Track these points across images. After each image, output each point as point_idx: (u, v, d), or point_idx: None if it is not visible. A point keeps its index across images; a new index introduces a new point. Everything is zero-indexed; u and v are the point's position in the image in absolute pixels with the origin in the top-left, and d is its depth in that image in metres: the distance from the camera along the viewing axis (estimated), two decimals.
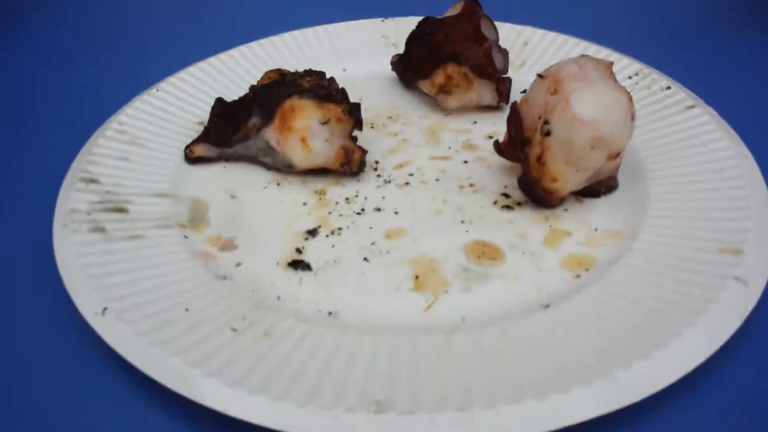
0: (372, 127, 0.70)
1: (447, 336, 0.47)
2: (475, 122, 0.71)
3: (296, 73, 0.65)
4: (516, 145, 0.60)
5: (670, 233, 0.54)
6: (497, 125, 0.70)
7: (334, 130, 0.61)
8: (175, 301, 0.49)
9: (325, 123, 0.61)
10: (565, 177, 0.57)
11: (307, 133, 0.60)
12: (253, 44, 0.81)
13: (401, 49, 0.77)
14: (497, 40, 0.71)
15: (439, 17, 0.72)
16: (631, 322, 0.46)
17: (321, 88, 0.64)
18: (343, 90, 0.64)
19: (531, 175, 0.58)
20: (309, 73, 0.67)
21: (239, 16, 1.01)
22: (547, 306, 0.49)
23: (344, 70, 0.80)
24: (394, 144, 0.68)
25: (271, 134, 0.62)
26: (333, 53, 0.82)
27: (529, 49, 0.80)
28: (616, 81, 0.57)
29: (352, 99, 0.68)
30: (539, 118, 0.57)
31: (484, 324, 0.48)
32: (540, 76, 0.59)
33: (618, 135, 0.55)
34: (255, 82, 0.72)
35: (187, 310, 0.48)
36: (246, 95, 0.66)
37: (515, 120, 0.59)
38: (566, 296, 0.50)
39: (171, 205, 0.60)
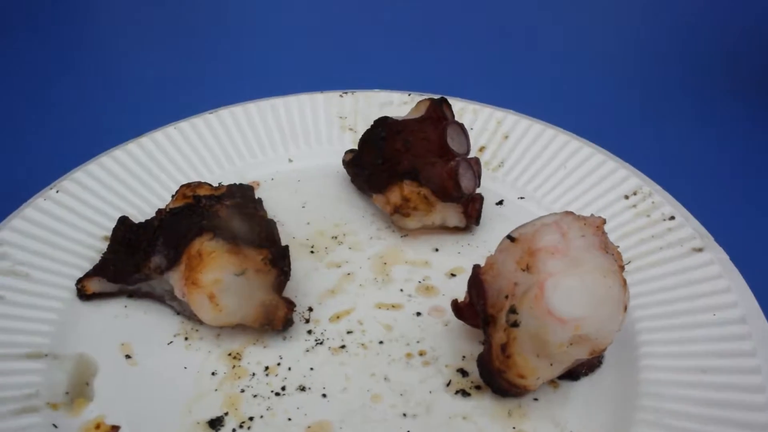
0: (312, 252, 0.57)
1: None
2: (437, 250, 0.58)
3: (212, 197, 0.52)
4: (478, 314, 0.47)
5: None
6: (463, 254, 0.58)
7: (253, 283, 0.49)
8: None
9: (240, 274, 0.48)
10: (536, 373, 0.44)
11: (217, 288, 0.47)
12: (183, 123, 0.67)
13: (360, 134, 0.63)
14: (467, 151, 0.58)
15: (399, 118, 0.59)
16: None
17: (242, 220, 0.50)
18: (269, 224, 0.51)
19: (493, 365, 0.45)
20: (231, 192, 0.54)
21: (167, 90, 0.85)
22: None
23: (290, 160, 0.67)
24: (334, 281, 0.55)
25: (176, 281, 0.49)
26: (279, 136, 0.69)
27: (509, 145, 0.67)
28: (607, 247, 0.45)
29: (294, 206, 0.60)
30: (506, 297, 0.45)
31: None
32: (511, 238, 0.46)
33: (604, 332, 0.43)
34: (179, 178, 0.63)
35: None
36: (152, 220, 0.53)
37: (477, 290, 0.46)
38: None
39: (46, 371, 0.49)
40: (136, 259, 0.52)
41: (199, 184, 0.56)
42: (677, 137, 0.75)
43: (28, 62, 0.90)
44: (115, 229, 0.55)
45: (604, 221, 0.47)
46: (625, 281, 0.44)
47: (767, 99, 0.81)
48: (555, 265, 0.43)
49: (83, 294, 0.53)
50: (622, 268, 0.45)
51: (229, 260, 0.49)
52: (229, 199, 0.53)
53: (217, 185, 0.57)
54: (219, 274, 0.48)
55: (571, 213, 0.47)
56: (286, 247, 0.51)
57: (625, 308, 0.44)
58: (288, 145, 0.69)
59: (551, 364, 0.45)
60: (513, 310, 0.44)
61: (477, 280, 0.47)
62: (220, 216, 0.51)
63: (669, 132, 0.76)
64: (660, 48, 0.94)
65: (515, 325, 0.44)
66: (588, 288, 0.42)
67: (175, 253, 0.50)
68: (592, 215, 0.47)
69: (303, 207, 0.63)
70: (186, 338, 0.52)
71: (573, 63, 0.91)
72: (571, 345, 0.43)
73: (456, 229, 0.60)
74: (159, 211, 0.54)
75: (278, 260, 0.49)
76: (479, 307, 0.47)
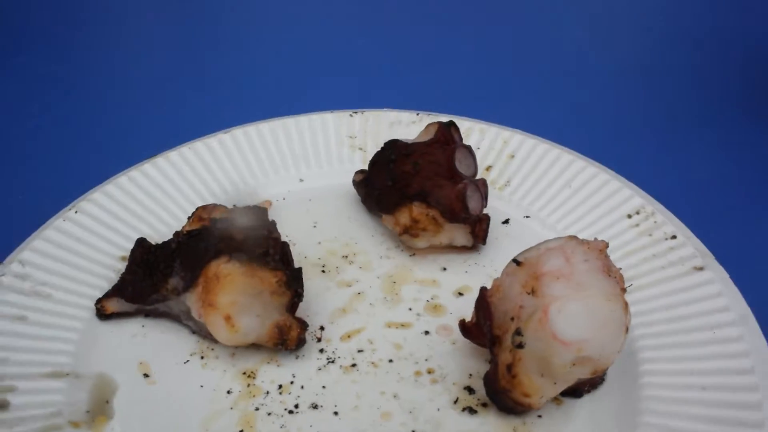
0: (323, 272, 0.59)
1: None
2: (445, 269, 0.60)
3: (228, 220, 0.54)
4: (484, 334, 0.49)
5: None
6: (470, 273, 0.59)
7: (267, 304, 0.50)
8: None
9: (256, 296, 0.49)
10: (540, 392, 0.46)
11: (234, 309, 0.49)
12: (198, 143, 0.69)
13: (370, 154, 0.65)
14: (475, 173, 0.59)
15: (408, 141, 0.60)
16: None
17: (257, 243, 0.52)
18: (283, 246, 0.53)
19: (499, 384, 0.47)
20: (246, 215, 0.55)
21: (181, 110, 0.88)
22: None
23: (301, 180, 0.69)
24: (345, 300, 0.57)
25: (193, 302, 0.51)
26: (290, 155, 0.71)
27: (515, 165, 0.68)
28: (610, 270, 0.46)
29: (305, 225, 0.62)
30: (512, 319, 0.46)
31: None
32: (516, 262, 0.47)
33: (607, 353, 0.45)
34: (194, 198, 0.66)
35: None
36: (169, 242, 0.55)
37: (484, 312, 0.48)
38: None
39: (67, 390, 0.50)
40: (154, 280, 0.54)
41: (215, 207, 0.58)
42: (680, 156, 0.77)
43: (44, 83, 0.92)
44: (133, 251, 0.56)
45: (606, 245, 0.48)
46: (626, 304, 0.45)
47: None
48: (559, 289, 0.45)
49: (102, 314, 0.55)
50: (624, 290, 0.47)
51: (245, 282, 0.50)
52: (244, 222, 0.55)
53: (232, 207, 0.58)
54: (235, 296, 0.50)
55: (575, 237, 0.48)
56: (300, 269, 0.52)
57: (627, 330, 0.45)
58: (299, 164, 0.71)
59: (555, 383, 0.46)
60: (518, 332, 0.45)
61: (484, 302, 0.49)
62: (235, 238, 0.53)
63: (672, 150, 0.78)
64: (664, 67, 0.96)
65: (520, 346, 0.45)
66: (591, 311, 0.44)
67: (192, 275, 0.52)
68: (595, 239, 0.48)
69: (314, 227, 0.64)
70: (202, 357, 0.53)
71: (578, 82, 0.92)
72: (574, 365, 0.45)
73: (463, 248, 0.61)
74: (176, 234, 0.56)
75: (292, 282, 0.51)
76: (486, 328, 0.49)
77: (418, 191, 0.58)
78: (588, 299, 0.44)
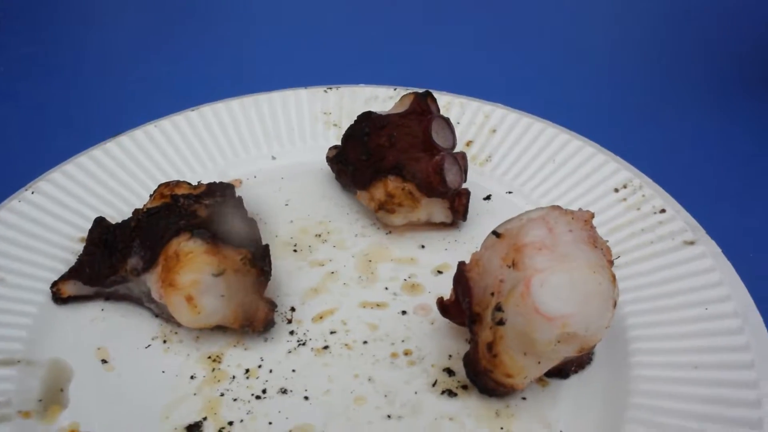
0: (295, 251, 0.56)
1: None
2: (423, 246, 0.57)
3: (191, 196, 0.50)
4: (463, 313, 0.46)
5: None
6: (450, 251, 0.56)
7: (231, 284, 0.47)
8: None
9: (219, 275, 0.46)
10: (523, 372, 0.43)
11: (195, 289, 0.46)
12: (164, 121, 0.66)
13: (344, 130, 0.62)
14: (453, 145, 0.56)
15: (383, 113, 0.57)
16: None
17: (221, 220, 0.49)
18: (249, 222, 0.50)
19: (480, 364, 0.44)
20: (211, 191, 0.52)
21: (147, 88, 0.84)
22: None
23: (273, 158, 0.66)
24: (317, 280, 0.54)
25: (153, 283, 0.48)
26: (262, 133, 0.67)
27: (497, 139, 0.65)
28: (596, 242, 0.43)
29: (277, 204, 0.59)
30: (492, 294, 0.43)
31: None
32: (496, 234, 0.44)
33: (593, 329, 0.41)
34: (160, 178, 0.62)
35: None
36: (128, 221, 0.51)
37: (462, 288, 0.45)
38: None
39: (18, 378, 0.47)
40: (113, 261, 0.51)
41: (178, 183, 0.54)
42: (667, 130, 0.74)
43: (2, 59, 0.88)
44: (91, 230, 0.53)
45: (592, 215, 0.45)
46: (614, 276, 0.42)
47: (758, 90, 0.80)
48: (542, 261, 0.42)
49: (58, 297, 0.52)
50: (611, 263, 0.44)
51: (207, 260, 0.47)
52: (209, 198, 0.52)
53: (197, 184, 0.55)
54: (197, 274, 0.47)
55: (558, 207, 0.45)
56: (267, 246, 0.49)
57: (615, 304, 0.42)
58: (271, 142, 0.68)
59: (539, 363, 0.43)
60: (499, 308, 0.42)
61: (462, 277, 0.46)
62: (198, 215, 0.50)
63: (659, 124, 0.75)
64: (647, 40, 0.93)
65: (501, 323, 0.42)
66: (576, 284, 0.41)
67: (152, 254, 0.49)
68: (579, 209, 0.45)
69: (286, 205, 0.61)
70: (164, 341, 0.50)
71: (561, 56, 0.90)
72: (559, 343, 0.42)
73: (442, 225, 0.58)
74: (136, 211, 0.52)
75: (258, 260, 0.48)
76: (465, 306, 0.46)
77: (394, 165, 0.55)
78: (573, 271, 0.41)
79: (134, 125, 0.65)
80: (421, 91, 0.58)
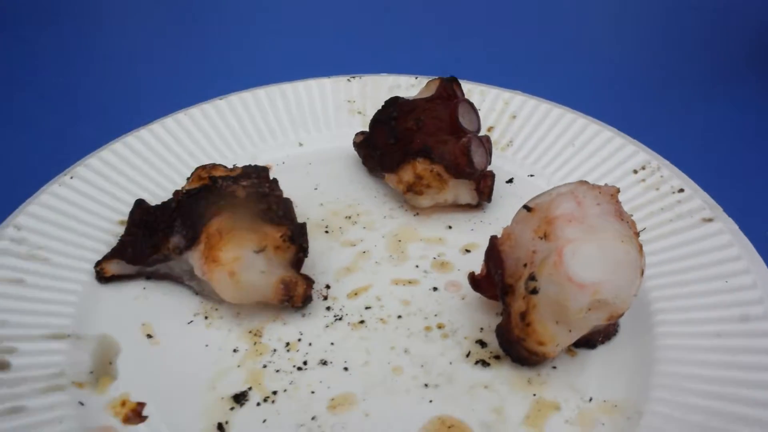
0: (326, 232, 0.58)
1: None
2: (450, 227, 0.59)
3: (228, 178, 0.52)
4: (495, 285, 0.48)
5: (678, 415, 0.44)
6: (476, 231, 0.58)
7: (272, 260, 0.49)
8: None
9: (260, 251, 0.48)
10: (555, 340, 0.45)
11: (238, 265, 0.48)
12: (194, 109, 0.68)
13: (369, 117, 0.64)
14: (478, 129, 0.58)
15: (410, 98, 0.59)
16: None
17: (259, 200, 0.51)
18: (286, 202, 0.52)
19: (512, 333, 0.46)
20: (247, 173, 0.54)
21: (178, 77, 0.86)
22: None
23: (300, 144, 0.68)
24: (350, 259, 0.56)
25: (195, 260, 0.50)
26: (288, 121, 0.69)
27: (517, 125, 0.67)
28: (622, 215, 0.45)
29: (306, 188, 0.61)
30: (524, 266, 0.45)
31: None
32: (527, 208, 0.46)
33: (623, 296, 0.43)
34: (191, 164, 0.63)
35: None
36: (169, 202, 0.53)
37: (495, 261, 0.47)
38: None
39: (69, 351, 0.49)
40: (154, 240, 0.52)
41: (214, 166, 0.56)
42: (683, 112, 0.76)
43: (42, 50, 0.91)
44: (131, 212, 0.55)
45: (617, 190, 0.48)
46: (641, 247, 0.44)
47: None
48: (573, 231, 0.44)
49: (102, 276, 0.54)
50: (637, 234, 0.46)
51: (249, 237, 0.49)
52: (245, 180, 0.54)
53: (232, 167, 0.57)
54: (239, 251, 0.49)
55: (586, 182, 0.47)
56: (304, 224, 0.51)
57: (642, 273, 0.44)
58: (298, 129, 0.69)
59: (570, 331, 0.45)
60: (532, 278, 0.44)
61: (494, 250, 0.48)
62: (237, 196, 0.52)
63: (675, 107, 0.77)
64: (663, 23, 0.95)
65: (535, 292, 0.44)
66: (606, 253, 0.43)
67: (194, 233, 0.50)
68: (606, 185, 0.47)
69: (315, 189, 0.63)
70: (206, 317, 0.52)
71: (577, 42, 0.91)
72: (590, 310, 0.44)
73: (468, 207, 0.60)
74: (176, 193, 0.54)
75: (297, 237, 0.50)
76: (497, 278, 0.48)
77: (422, 147, 0.57)
78: (602, 241, 0.43)
79: (166, 114, 0.67)
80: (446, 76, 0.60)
